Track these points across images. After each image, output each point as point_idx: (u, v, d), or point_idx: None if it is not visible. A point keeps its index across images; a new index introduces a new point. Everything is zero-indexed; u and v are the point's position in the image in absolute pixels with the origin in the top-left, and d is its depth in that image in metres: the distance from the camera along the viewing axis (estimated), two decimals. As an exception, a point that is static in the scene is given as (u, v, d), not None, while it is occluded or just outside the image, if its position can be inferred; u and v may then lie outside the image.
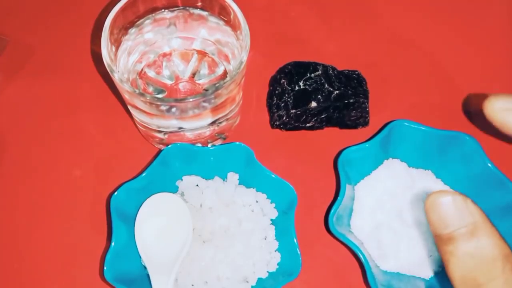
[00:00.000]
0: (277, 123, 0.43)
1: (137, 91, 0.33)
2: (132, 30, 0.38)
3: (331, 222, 0.36)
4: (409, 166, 0.42)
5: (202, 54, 0.41)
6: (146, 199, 0.38)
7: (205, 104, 0.35)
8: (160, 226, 0.37)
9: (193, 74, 0.41)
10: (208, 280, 0.36)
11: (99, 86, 0.46)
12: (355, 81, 0.43)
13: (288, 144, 0.44)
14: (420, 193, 0.39)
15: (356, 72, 0.44)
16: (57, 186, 0.42)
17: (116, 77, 0.33)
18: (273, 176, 0.38)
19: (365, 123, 0.44)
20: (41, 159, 0.43)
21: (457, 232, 0.23)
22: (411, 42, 0.49)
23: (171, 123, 0.38)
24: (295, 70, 0.43)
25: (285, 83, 0.43)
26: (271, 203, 0.39)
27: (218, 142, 0.43)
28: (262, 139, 0.44)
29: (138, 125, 0.42)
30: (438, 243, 0.24)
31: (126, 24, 0.37)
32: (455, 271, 0.23)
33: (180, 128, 0.38)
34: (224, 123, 0.40)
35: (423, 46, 0.49)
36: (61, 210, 0.41)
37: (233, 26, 0.37)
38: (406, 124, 0.40)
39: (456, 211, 0.23)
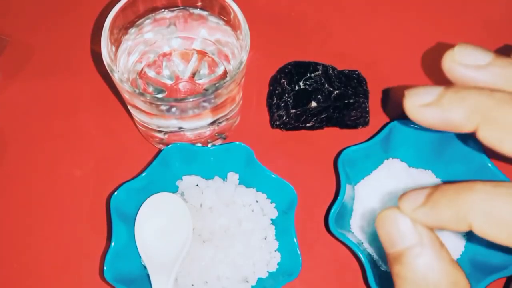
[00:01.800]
0: (277, 123, 0.43)
1: (137, 91, 0.33)
2: (132, 30, 0.38)
3: (331, 222, 0.36)
4: (409, 166, 0.42)
5: (202, 54, 0.41)
6: (146, 199, 0.38)
7: (205, 104, 0.35)
8: (160, 226, 0.37)
9: (193, 74, 0.41)
10: (208, 280, 0.36)
11: (99, 86, 0.46)
12: (355, 81, 0.43)
13: (288, 144, 0.44)
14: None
15: (356, 72, 0.44)
16: (57, 186, 0.42)
17: (116, 77, 0.33)
18: (273, 176, 0.38)
19: (365, 123, 0.44)
20: (41, 159, 0.43)
21: (403, 252, 0.21)
22: (412, 42, 0.49)
23: (171, 123, 0.38)
24: (295, 70, 0.43)
25: (285, 83, 0.43)
26: (271, 203, 0.39)
27: (218, 142, 0.43)
28: (262, 139, 0.44)
29: (138, 125, 0.42)
30: (388, 263, 0.22)
31: (126, 24, 0.37)
32: None
33: (180, 128, 0.38)
34: (224, 123, 0.40)
35: (423, 46, 0.49)
36: (61, 210, 0.41)
37: (233, 26, 0.37)
38: (406, 124, 0.40)
39: (404, 229, 0.21)
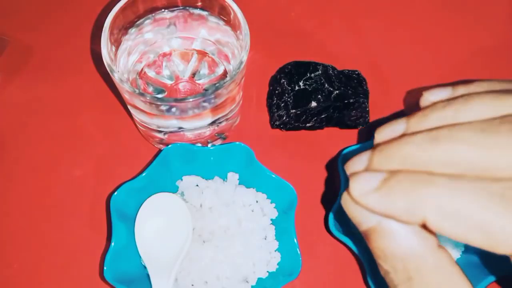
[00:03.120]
0: (277, 123, 0.43)
1: (137, 91, 0.33)
2: (132, 30, 0.38)
3: (331, 222, 0.36)
4: (409, 166, 0.42)
5: (202, 54, 0.41)
6: (146, 199, 0.38)
7: (205, 104, 0.35)
8: (160, 226, 0.37)
9: (193, 74, 0.41)
10: (208, 280, 0.36)
11: (99, 86, 0.46)
12: (355, 81, 0.43)
13: (288, 144, 0.44)
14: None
15: (356, 72, 0.44)
16: (57, 186, 0.42)
17: (116, 77, 0.33)
18: (273, 176, 0.38)
19: (365, 123, 0.44)
20: (41, 159, 0.43)
21: (368, 231, 0.21)
22: (412, 42, 0.49)
23: (171, 123, 0.38)
24: (295, 70, 0.43)
25: (285, 83, 0.43)
26: (271, 203, 0.39)
27: (218, 142, 0.43)
28: (262, 139, 0.44)
29: (138, 125, 0.42)
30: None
31: (126, 24, 0.37)
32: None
33: (180, 128, 0.38)
34: (224, 123, 0.40)
35: (423, 46, 0.49)
36: (61, 210, 0.41)
37: (233, 26, 0.37)
38: (406, 124, 0.40)
39: (361, 212, 0.21)
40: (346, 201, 0.21)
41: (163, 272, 0.35)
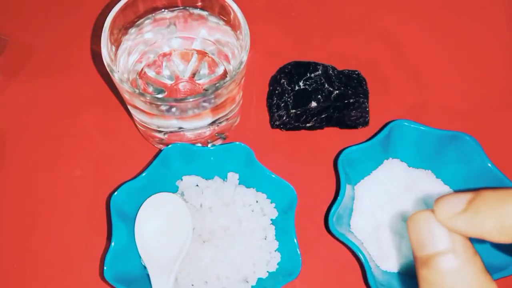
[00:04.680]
0: (277, 123, 0.43)
1: (137, 91, 0.33)
2: (132, 30, 0.38)
3: (331, 222, 0.36)
4: (409, 166, 0.42)
5: (202, 54, 0.41)
6: (146, 199, 0.38)
7: (205, 104, 0.35)
8: (160, 226, 0.37)
9: (193, 74, 0.41)
10: (208, 280, 0.36)
11: (99, 86, 0.46)
12: (355, 81, 0.43)
13: (288, 144, 0.44)
14: (420, 193, 0.39)
15: (356, 72, 0.44)
16: (57, 186, 0.42)
17: (116, 77, 0.33)
18: (273, 176, 0.38)
19: (365, 123, 0.44)
20: (41, 159, 0.43)
21: (433, 256, 0.20)
22: (411, 42, 0.49)
23: (171, 123, 0.38)
24: (295, 70, 0.43)
25: (285, 83, 0.43)
26: (271, 203, 0.39)
27: (218, 142, 0.43)
28: (262, 139, 0.44)
29: (138, 125, 0.42)
30: (416, 266, 0.21)
31: (126, 24, 0.37)
32: None
33: (180, 128, 0.38)
34: (224, 123, 0.40)
35: (423, 46, 0.49)
36: (61, 210, 0.41)
37: (233, 26, 0.37)
38: (406, 124, 0.40)
39: (437, 233, 0.20)
40: (421, 220, 0.21)
41: (163, 272, 0.35)
